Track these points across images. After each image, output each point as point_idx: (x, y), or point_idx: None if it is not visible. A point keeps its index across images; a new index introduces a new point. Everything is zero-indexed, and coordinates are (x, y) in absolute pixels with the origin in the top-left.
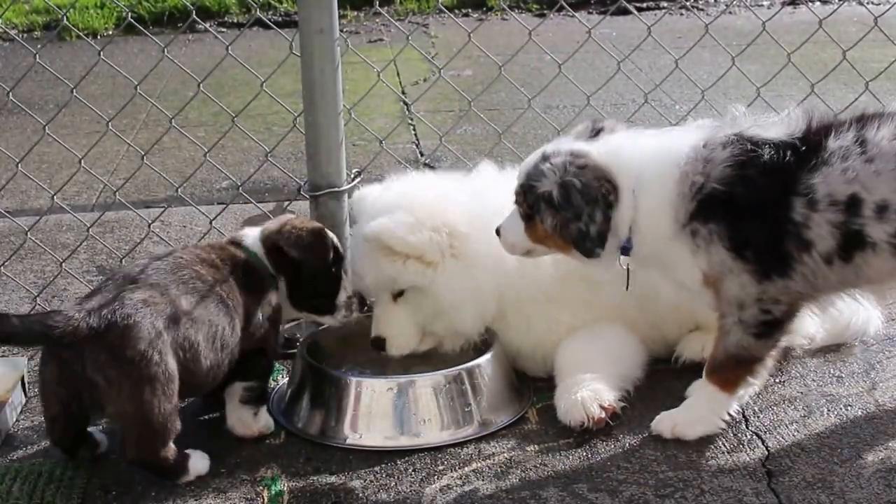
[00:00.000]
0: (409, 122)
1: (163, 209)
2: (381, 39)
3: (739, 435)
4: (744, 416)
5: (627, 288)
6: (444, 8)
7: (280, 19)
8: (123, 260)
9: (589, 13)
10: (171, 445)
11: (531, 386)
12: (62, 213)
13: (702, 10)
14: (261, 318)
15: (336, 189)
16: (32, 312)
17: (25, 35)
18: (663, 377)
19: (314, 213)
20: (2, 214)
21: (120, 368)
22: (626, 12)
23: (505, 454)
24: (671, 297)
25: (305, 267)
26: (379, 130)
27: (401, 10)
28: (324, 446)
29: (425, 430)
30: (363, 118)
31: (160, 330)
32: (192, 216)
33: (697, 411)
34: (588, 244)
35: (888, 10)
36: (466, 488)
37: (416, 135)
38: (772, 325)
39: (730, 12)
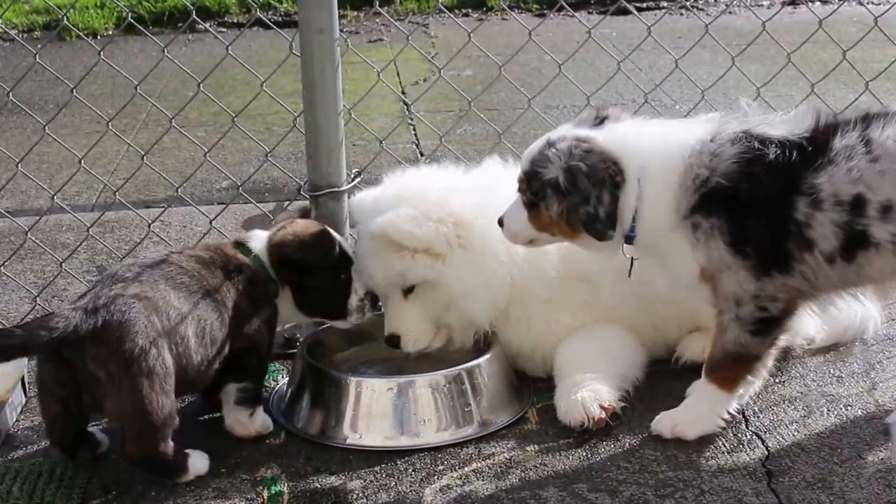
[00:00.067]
0: (409, 122)
1: (163, 209)
2: (381, 39)
3: (739, 435)
4: (744, 416)
5: (630, 275)
6: (444, 8)
7: (280, 19)
8: (123, 260)
9: (589, 13)
10: (171, 442)
11: (531, 386)
12: (62, 213)
13: (702, 10)
14: (255, 319)
15: (336, 189)
16: (28, 320)
17: (25, 35)
18: (663, 378)
19: (314, 213)
20: (2, 214)
21: (120, 362)
22: (626, 12)
23: (505, 454)
24: (669, 294)
25: (314, 270)
26: (379, 130)
27: (401, 10)
28: (324, 446)
29: (425, 430)
30: (363, 118)
31: (156, 324)
32: (192, 216)
33: (697, 410)
34: (599, 226)
35: (888, 10)
36: (466, 488)
37: (416, 135)
38: (769, 323)
39: (730, 12)
